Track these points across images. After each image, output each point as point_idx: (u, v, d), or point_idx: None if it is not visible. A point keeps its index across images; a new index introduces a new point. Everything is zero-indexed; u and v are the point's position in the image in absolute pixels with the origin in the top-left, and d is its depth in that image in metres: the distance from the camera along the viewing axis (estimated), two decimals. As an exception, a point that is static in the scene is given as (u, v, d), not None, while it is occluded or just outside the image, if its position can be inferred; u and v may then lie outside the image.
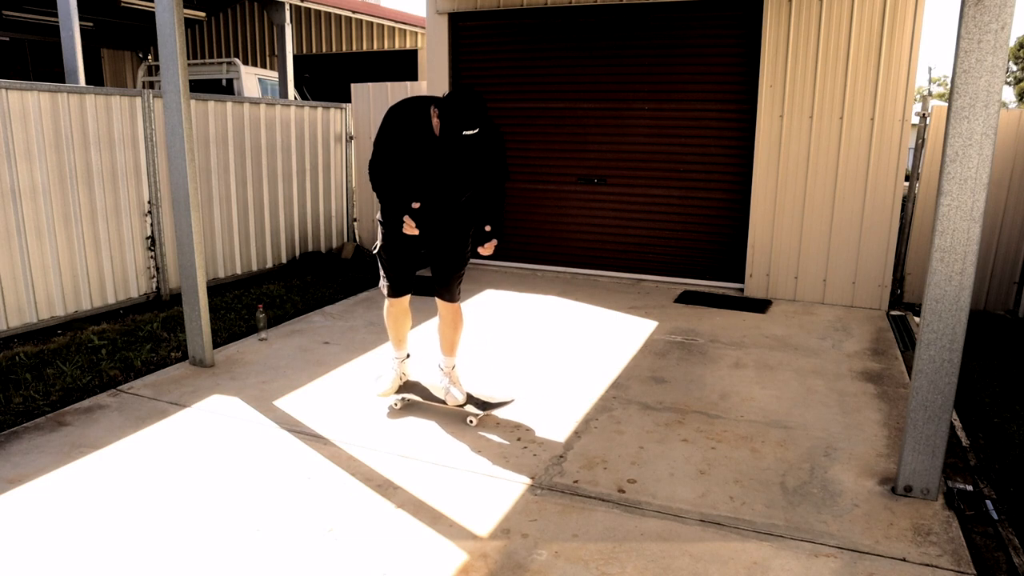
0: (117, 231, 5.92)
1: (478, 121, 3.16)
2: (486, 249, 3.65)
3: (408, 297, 3.89)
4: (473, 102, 3.16)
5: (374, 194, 3.69)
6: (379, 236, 3.76)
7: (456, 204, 3.65)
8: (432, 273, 3.81)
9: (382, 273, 3.82)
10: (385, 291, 3.84)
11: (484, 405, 3.83)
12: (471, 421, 3.76)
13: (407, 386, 4.03)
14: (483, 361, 4.68)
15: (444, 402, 3.84)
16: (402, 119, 3.42)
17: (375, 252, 3.79)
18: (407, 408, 3.97)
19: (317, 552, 2.67)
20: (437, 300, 3.86)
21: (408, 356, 4.06)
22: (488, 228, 3.60)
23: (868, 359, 4.90)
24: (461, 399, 3.80)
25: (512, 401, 3.94)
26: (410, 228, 3.42)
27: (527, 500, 3.06)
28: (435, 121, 3.34)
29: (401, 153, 3.44)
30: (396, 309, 3.89)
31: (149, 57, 15.49)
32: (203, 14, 15.16)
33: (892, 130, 5.95)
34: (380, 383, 4.01)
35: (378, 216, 3.74)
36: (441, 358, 3.94)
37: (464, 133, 3.14)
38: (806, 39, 6.06)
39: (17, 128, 5.07)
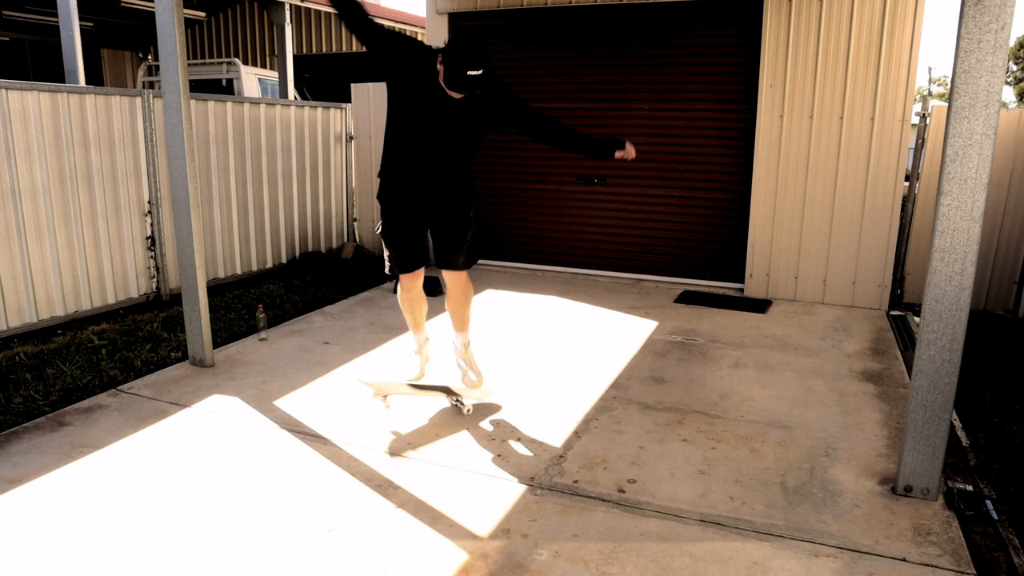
0: (117, 231, 5.92)
1: (481, 61, 3.03)
2: (628, 151, 3.65)
3: (421, 278, 3.79)
4: (475, 40, 3.08)
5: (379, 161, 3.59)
6: (379, 215, 3.68)
7: (455, 165, 3.53)
8: (434, 245, 3.69)
9: (387, 254, 3.69)
10: (395, 270, 3.71)
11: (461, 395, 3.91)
12: (467, 410, 3.83)
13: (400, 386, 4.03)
14: (484, 361, 4.67)
15: (447, 390, 3.88)
16: (415, 60, 3.27)
17: (378, 232, 3.70)
18: (407, 408, 3.96)
19: (317, 552, 2.67)
20: (443, 273, 3.75)
21: (427, 339, 4.02)
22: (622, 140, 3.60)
23: (868, 359, 4.90)
24: (478, 381, 3.85)
25: (490, 393, 3.99)
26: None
27: (527, 500, 3.06)
28: (440, 70, 3.17)
29: (401, 96, 3.31)
30: (411, 294, 3.80)
31: (149, 57, 15.49)
32: (203, 14, 15.15)
33: (892, 130, 5.95)
34: (410, 370, 4.02)
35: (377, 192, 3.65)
36: (453, 335, 3.89)
37: (469, 73, 3.02)
38: (806, 39, 6.06)
39: (17, 128, 5.07)
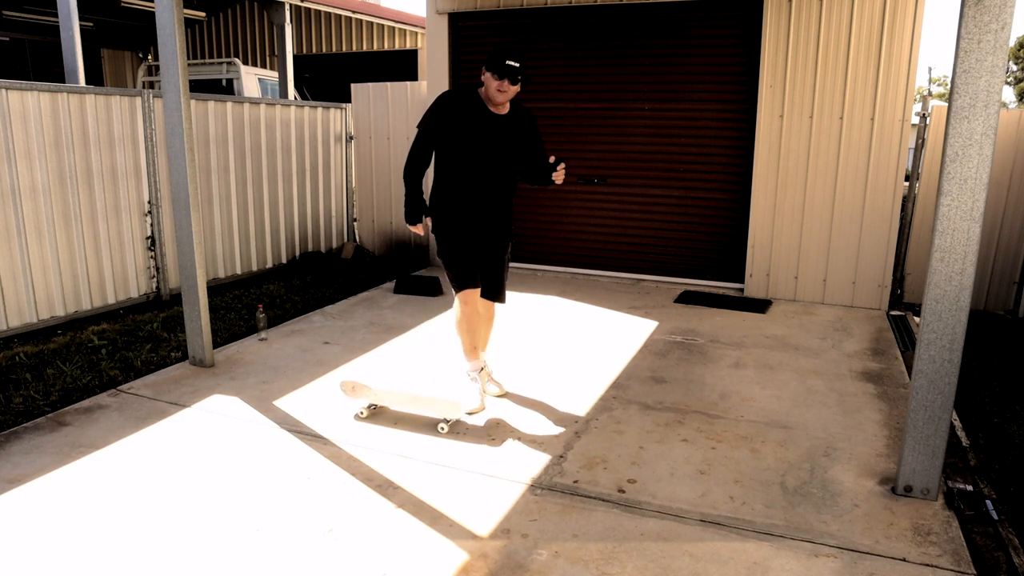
0: (117, 231, 5.92)
1: (517, 55, 3.58)
2: (558, 175, 3.86)
3: (478, 292, 3.95)
4: (510, 45, 3.65)
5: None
6: (435, 241, 3.97)
7: (505, 189, 3.91)
8: (482, 280, 3.99)
9: (450, 275, 3.91)
10: (459, 287, 3.88)
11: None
12: (442, 428, 3.71)
13: (382, 394, 3.94)
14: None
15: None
16: (453, 101, 3.74)
17: (439, 256, 3.94)
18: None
19: (317, 552, 2.67)
20: (482, 301, 4.07)
21: (484, 367, 4.10)
22: (552, 159, 3.88)
23: (868, 359, 4.90)
24: (500, 391, 4.13)
25: (482, 409, 3.93)
26: (418, 229, 3.88)
27: (527, 500, 3.06)
28: (484, 87, 3.69)
29: (453, 134, 3.71)
30: (469, 308, 3.90)
31: (149, 57, 15.49)
32: (203, 14, 15.15)
33: (892, 130, 5.95)
34: (469, 401, 3.94)
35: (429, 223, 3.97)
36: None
37: (507, 63, 3.55)
38: (806, 39, 6.06)
39: (17, 128, 5.07)
